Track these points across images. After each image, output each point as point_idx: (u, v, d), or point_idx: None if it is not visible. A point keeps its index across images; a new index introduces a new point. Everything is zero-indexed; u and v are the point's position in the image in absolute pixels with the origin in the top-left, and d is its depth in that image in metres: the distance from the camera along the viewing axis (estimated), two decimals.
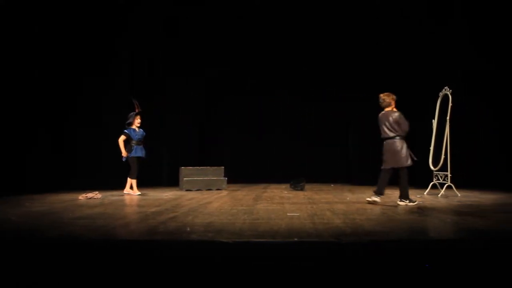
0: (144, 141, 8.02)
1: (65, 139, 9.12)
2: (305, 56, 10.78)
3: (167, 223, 4.43)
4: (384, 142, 6.17)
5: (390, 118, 6.05)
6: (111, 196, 7.52)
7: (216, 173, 9.16)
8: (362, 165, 10.19)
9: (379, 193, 6.19)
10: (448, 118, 7.41)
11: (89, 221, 4.67)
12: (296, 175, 9.25)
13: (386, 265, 3.38)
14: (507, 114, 8.83)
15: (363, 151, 10.18)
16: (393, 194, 6.79)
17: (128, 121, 7.88)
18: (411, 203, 6.04)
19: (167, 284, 3.35)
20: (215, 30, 10.46)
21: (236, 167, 10.67)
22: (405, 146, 6.03)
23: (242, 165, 11.00)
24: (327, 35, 10.39)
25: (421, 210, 5.59)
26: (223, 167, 9.28)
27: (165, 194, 7.90)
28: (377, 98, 6.31)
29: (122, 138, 7.80)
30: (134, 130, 7.90)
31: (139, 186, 8.02)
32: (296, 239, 3.58)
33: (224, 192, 8.44)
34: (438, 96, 7.96)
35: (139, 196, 7.55)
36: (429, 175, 7.82)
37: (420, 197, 7.08)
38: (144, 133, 8.03)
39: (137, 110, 7.94)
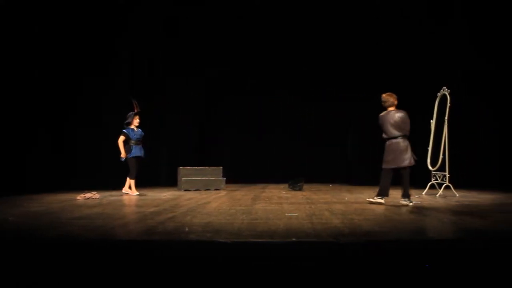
0: (143, 141, 8.03)
1: (65, 139, 9.13)
2: (305, 56, 10.79)
3: (165, 223, 4.44)
4: (388, 142, 6.10)
5: (397, 118, 6.01)
6: (109, 196, 7.53)
7: (215, 173, 9.16)
8: (361, 165, 10.19)
9: (384, 194, 6.13)
10: (446, 118, 7.41)
11: (88, 221, 4.67)
12: (295, 175, 9.25)
13: (384, 265, 3.38)
14: (507, 114, 8.83)
15: (362, 151, 10.18)
16: (391, 194, 6.78)
17: (127, 121, 7.90)
18: (410, 203, 6.04)
19: (166, 284, 3.36)
20: (215, 30, 10.47)
21: (236, 167, 10.69)
22: (409, 145, 6.03)
23: (242, 165, 11.01)
24: (327, 35, 10.39)
25: (418, 210, 5.59)
26: (221, 167, 9.28)
27: (164, 194, 7.91)
28: (378, 98, 6.28)
29: (121, 139, 7.81)
30: (133, 130, 7.91)
31: (138, 186, 8.03)
32: (294, 239, 3.59)
33: (222, 192, 8.45)
34: (437, 97, 7.96)
35: (138, 196, 7.56)
36: (428, 175, 7.82)
37: (419, 197, 7.08)
38: (143, 133, 8.04)
39: (136, 110, 7.95)
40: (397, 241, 3.67)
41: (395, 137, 6.01)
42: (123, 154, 7.80)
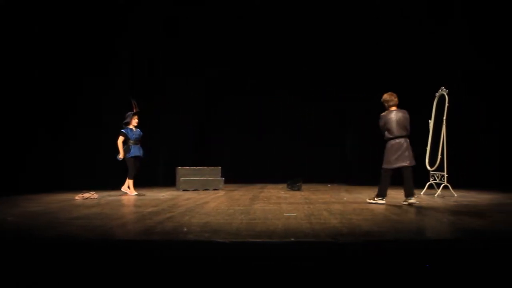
0: (141, 141, 8.03)
1: (65, 139, 9.13)
2: (305, 56, 10.80)
3: (164, 223, 4.44)
4: (392, 142, 6.03)
5: (402, 117, 6.00)
6: (108, 196, 7.54)
7: (213, 173, 9.16)
8: (361, 166, 10.19)
9: (384, 195, 6.12)
10: (444, 118, 7.41)
11: (86, 221, 4.67)
12: (295, 175, 9.25)
13: (382, 265, 3.38)
14: (506, 114, 8.83)
15: (362, 151, 10.19)
16: (390, 194, 6.78)
17: (126, 121, 7.89)
18: (416, 202, 6.03)
19: (164, 284, 3.36)
20: (215, 30, 10.48)
21: (236, 167, 10.69)
22: (409, 145, 6.03)
23: (242, 165, 11.02)
24: (327, 35, 10.41)
25: (417, 210, 5.59)
26: (220, 167, 9.28)
27: (162, 194, 7.91)
28: (378, 98, 6.27)
29: (121, 139, 7.80)
30: (131, 129, 7.91)
31: (136, 186, 8.03)
32: (293, 239, 3.59)
33: (221, 192, 8.45)
34: (435, 97, 7.95)
35: (136, 196, 7.56)
36: (426, 175, 7.82)
37: (417, 197, 7.07)
38: (141, 133, 8.04)
39: (134, 110, 7.95)
40: (396, 241, 3.67)
41: (400, 137, 5.99)
42: (121, 155, 7.79)
